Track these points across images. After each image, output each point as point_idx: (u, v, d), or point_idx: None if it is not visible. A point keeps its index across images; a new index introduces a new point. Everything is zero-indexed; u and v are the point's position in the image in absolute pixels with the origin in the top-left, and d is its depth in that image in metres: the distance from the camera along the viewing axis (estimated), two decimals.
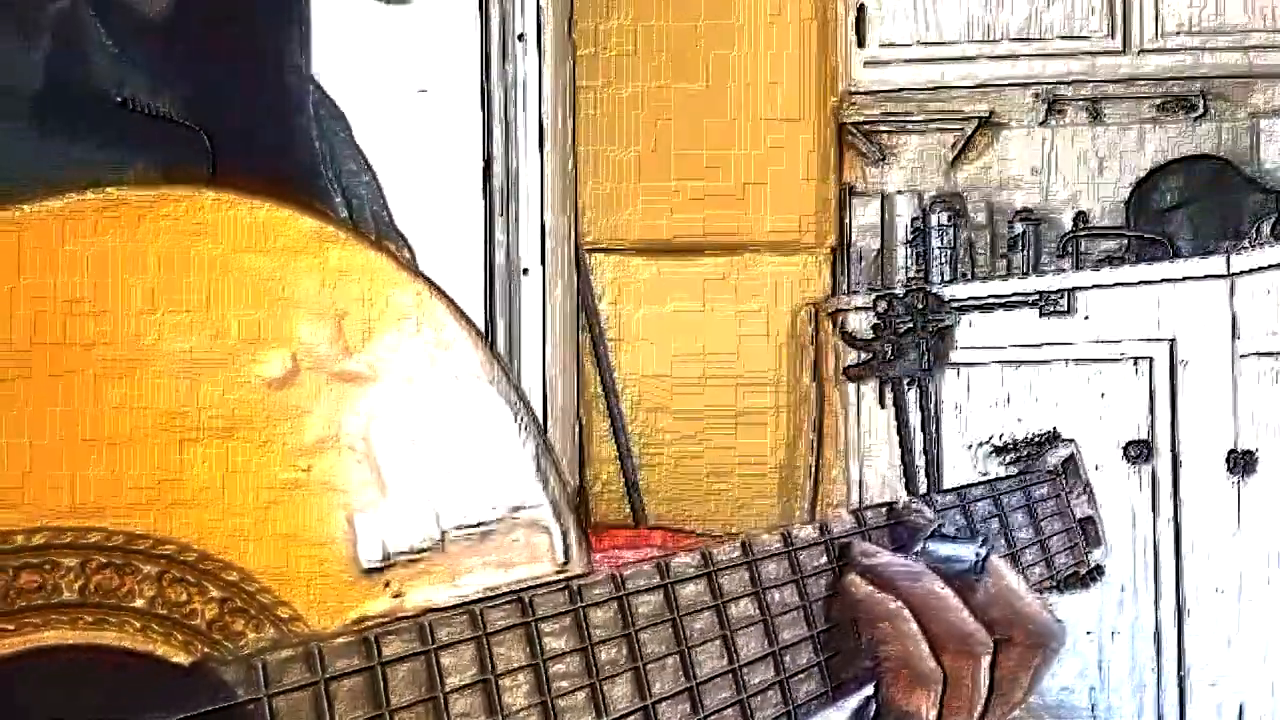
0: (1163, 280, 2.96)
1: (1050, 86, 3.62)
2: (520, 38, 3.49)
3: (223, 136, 0.58)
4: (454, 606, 0.43)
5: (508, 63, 3.49)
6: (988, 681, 0.60)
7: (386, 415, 0.48)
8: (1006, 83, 3.63)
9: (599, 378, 3.59)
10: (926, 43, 3.63)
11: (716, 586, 0.52)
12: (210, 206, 0.47)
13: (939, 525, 0.64)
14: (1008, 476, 0.78)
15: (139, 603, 0.42)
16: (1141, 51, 3.53)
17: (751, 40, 3.61)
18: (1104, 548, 0.83)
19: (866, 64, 3.67)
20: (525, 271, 3.49)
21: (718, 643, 0.51)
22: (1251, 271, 2.80)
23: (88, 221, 0.44)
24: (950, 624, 0.60)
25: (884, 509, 0.65)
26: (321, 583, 0.44)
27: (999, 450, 0.81)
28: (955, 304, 3.15)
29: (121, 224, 0.45)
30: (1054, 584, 0.79)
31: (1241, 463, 2.75)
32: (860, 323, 3.34)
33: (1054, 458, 0.82)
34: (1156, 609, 2.89)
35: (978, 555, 0.61)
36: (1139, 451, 2.90)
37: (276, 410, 0.45)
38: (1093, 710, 2.92)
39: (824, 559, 0.60)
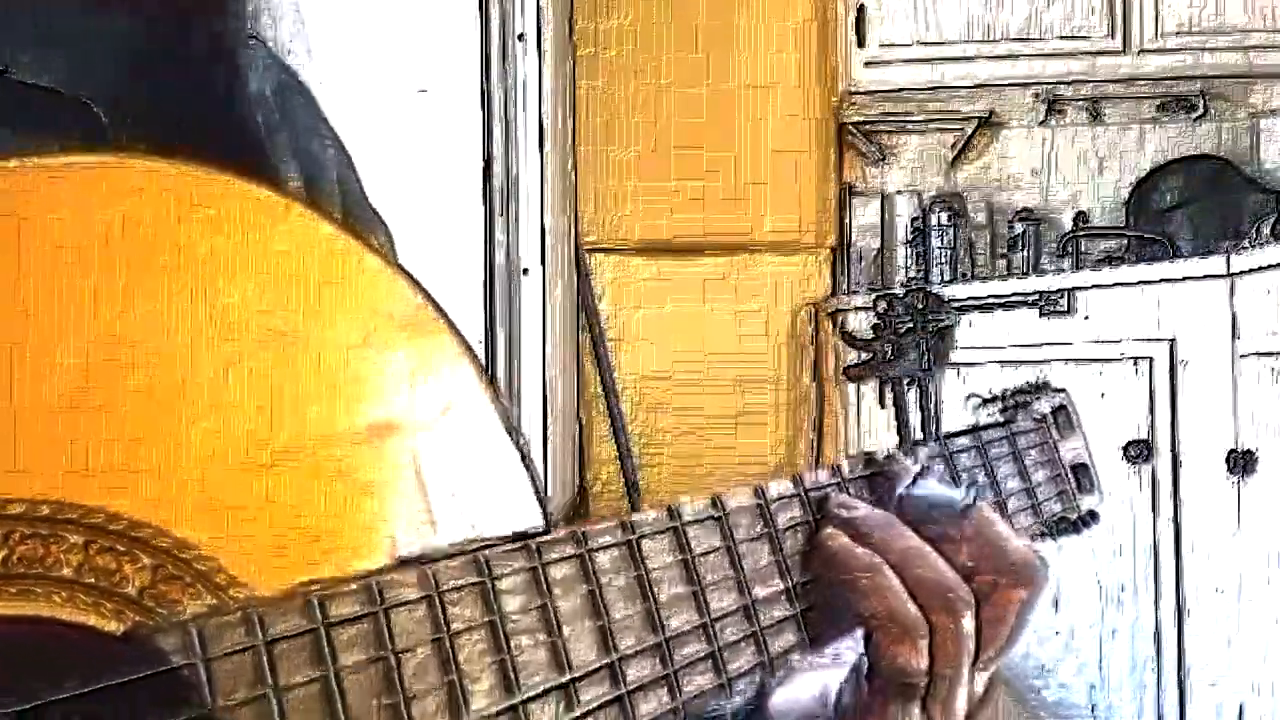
0: (1163, 280, 2.95)
1: (1050, 86, 3.61)
2: (520, 38, 3.48)
3: (133, 109, 0.56)
4: (403, 564, 0.42)
5: (508, 63, 3.48)
6: (974, 632, 0.59)
7: (348, 391, 0.47)
8: (1006, 83, 3.62)
9: (599, 378, 3.58)
10: (926, 43, 3.62)
11: (684, 541, 0.51)
12: (146, 176, 0.46)
13: (918, 473, 0.62)
14: (992, 424, 0.77)
15: (65, 571, 0.41)
16: (1141, 51, 3.52)
17: (751, 40, 3.60)
18: (1098, 494, 0.82)
19: (866, 64, 3.66)
20: (525, 271, 3.48)
21: (687, 598, 0.50)
22: (1251, 271, 2.79)
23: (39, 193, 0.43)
24: (930, 578, 0.59)
25: (862, 460, 0.64)
26: (262, 548, 0.43)
27: (987, 401, 0.80)
28: (955, 304, 3.13)
29: (68, 193, 0.44)
30: (1044, 530, 0.78)
31: (1241, 463, 2.74)
32: (860, 323, 3.33)
33: (1043, 406, 0.81)
34: (1156, 609, 2.87)
35: (962, 499, 0.61)
36: (1139, 451, 2.88)
37: (215, 380, 0.44)
38: (1093, 710, 2.90)
39: (800, 512, 0.59)
